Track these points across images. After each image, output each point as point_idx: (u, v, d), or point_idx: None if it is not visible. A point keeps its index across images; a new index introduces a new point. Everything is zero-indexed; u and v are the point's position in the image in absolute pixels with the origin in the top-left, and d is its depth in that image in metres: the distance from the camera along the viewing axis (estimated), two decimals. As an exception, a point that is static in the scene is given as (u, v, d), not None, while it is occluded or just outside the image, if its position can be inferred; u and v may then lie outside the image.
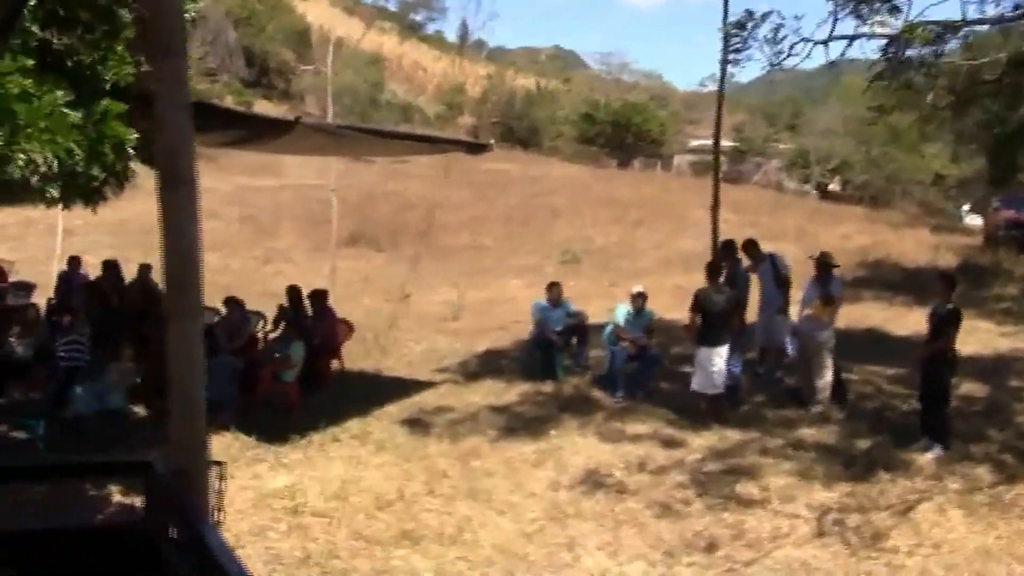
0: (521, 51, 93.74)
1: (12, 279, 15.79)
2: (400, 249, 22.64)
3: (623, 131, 51.50)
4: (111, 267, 14.75)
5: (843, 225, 27.46)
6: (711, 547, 8.47)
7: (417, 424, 11.58)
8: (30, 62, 6.40)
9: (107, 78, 6.95)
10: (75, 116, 6.35)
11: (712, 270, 11.86)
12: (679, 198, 30.96)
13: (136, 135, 6.93)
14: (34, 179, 6.34)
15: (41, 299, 15.48)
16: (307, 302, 13.59)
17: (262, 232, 24.49)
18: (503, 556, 8.28)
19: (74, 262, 15.30)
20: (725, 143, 53.35)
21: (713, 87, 15.03)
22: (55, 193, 6.75)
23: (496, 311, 18.14)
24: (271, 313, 14.08)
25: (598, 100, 55.23)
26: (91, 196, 7.02)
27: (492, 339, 15.95)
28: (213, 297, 17.25)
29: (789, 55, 13.24)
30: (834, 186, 48.04)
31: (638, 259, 23.00)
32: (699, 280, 20.08)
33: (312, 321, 12.52)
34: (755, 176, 49.10)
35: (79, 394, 10.37)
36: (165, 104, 2.92)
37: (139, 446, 10.06)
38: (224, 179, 27.91)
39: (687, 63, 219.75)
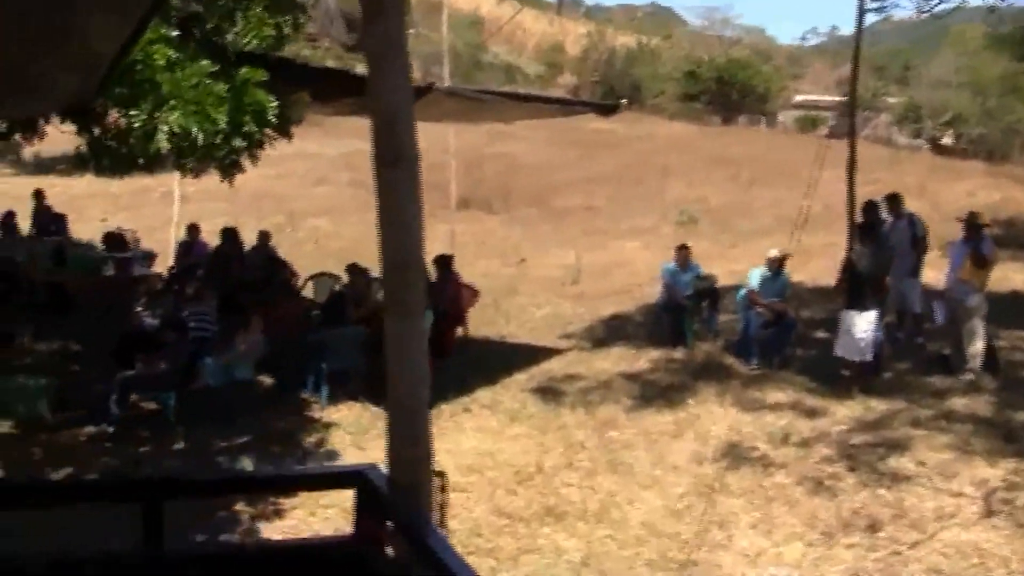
0: (619, 9, 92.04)
1: (133, 248, 15.72)
2: (513, 211, 22.24)
3: (728, 88, 50.12)
4: (231, 235, 14.57)
5: (965, 181, 26.24)
6: (872, 527, 7.97)
7: (548, 393, 11.22)
8: (173, 32, 6.10)
9: (245, 44, 6.62)
10: (220, 88, 6.04)
11: (864, 230, 11.17)
12: (789, 155, 29.81)
13: (276, 103, 6.61)
14: (175, 151, 6.06)
15: (161, 268, 15.58)
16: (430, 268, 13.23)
17: (374, 197, 24.23)
18: (653, 535, 7.95)
19: (193, 230, 15.23)
20: (832, 98, 51.91)
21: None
22: (194, 164, 6.47)
23: (615, 274, 17.66)
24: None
25: (701, 57, 53.90)
26: (230, 168, 6.71)
27: (615, 303, 15.47)
28: (327, 262, 17.23)
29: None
30: (947, 140, 46.21)
31: (756, 218, 22.23)
32: (822, 240, 19.56)
33: (436, 287, 12.22)
34: (864, 131, 47.47)
35: (208, 366, 10.24)
36: (381, 70, 2.53)
37: (268, 418, 10.14)
38: (332, 143, 27.77)
39: (789, 16, 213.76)
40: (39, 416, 9.74)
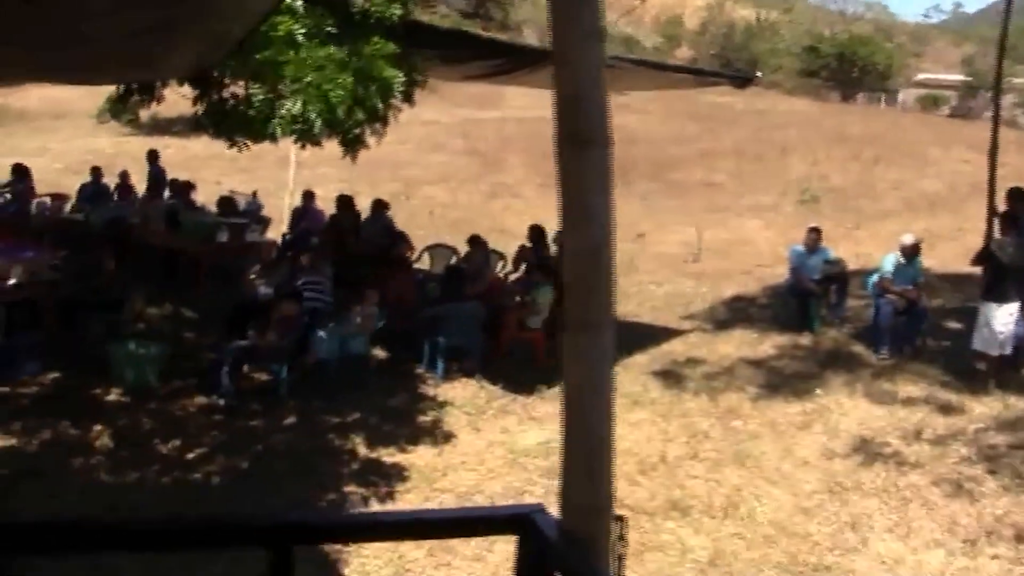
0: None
1: (250, 204, 15.55)
2: (631, 185, 21.58)
3: (849, 64, 48.57)
4: (347, 203, 14.27)
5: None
6: (1019, 537, 7.36)
7: (670, 377, 10.71)
8: (299, 2, 5.67)
9: (374, 15, 6.16)
10: (345, 80, 5.58)
11: (1008, 219, 10.37)
12: (912, 135, 28.82)
13: (403, 77, 6.15)
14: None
15: (274, 235, 15.36)
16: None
17: (488, 165, 23.85)
18: (783, 534, 7.45)
19: (308, 197, 14.96)
20: (954, 77, 49.96)
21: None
22: (315, 140, 6.06)
23: (736, 253, 16.97)
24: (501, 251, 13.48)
25: (822, 32, 52.34)
26: (353, 143, 6.28)
27: (737, 284, 14.82)
28: (442, 232, 16.91)
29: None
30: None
31: (879, 200, 21.28)
32: (949, 225, 18.64)
33: (558, 262, 11.72)
34: (986, 112, 45.43)
35: (322, 339, 9.91)
36: (567, 40, 2.03)
37: (380, 395, 9.80)
38: (447, 111, 27.42)
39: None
40: (148, 384, 9.55)
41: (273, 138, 6.00)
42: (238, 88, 6.61)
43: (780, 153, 25.35)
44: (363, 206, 14.79)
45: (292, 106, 5.50)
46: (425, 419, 9.39)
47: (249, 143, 6.68)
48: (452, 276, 11.34)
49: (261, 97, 5.51)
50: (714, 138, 26.81)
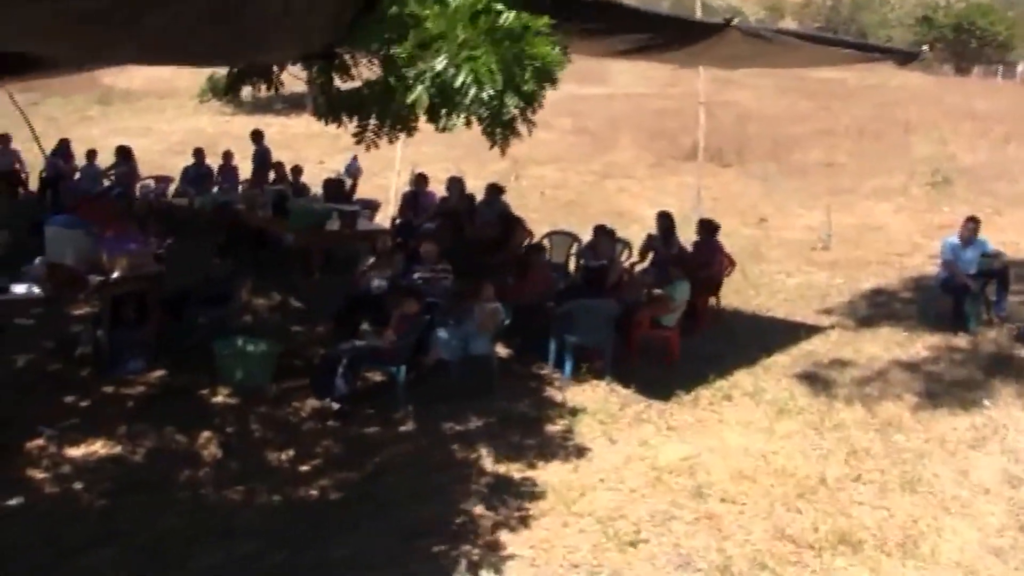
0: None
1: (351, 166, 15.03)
2: (748, 165, 20.54)
3: (966, 35, 46.32)
4: (459, 186, 13.61)
5: None
6: None
7: (817, 381, 9.76)
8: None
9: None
10: (501, 49, 4.75)
11: None
12: (1042, 110, 27.05)
13: (561, 56, 5.28)
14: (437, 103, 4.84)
15: (381, 219, 14.86)
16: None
17: (598, 144, 22.94)
18: (972, 578, 6.41)
19: (421, 180, 14.27)
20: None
21: None
22: (458, 122, 5.22)
23: (868, 240, 15.81)
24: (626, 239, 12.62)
25: (937, 1, 50.08)
26: (505, 130, 5.43)
27: (875, 275, 13.72)
28: (555, 216, 16.14)
29: None
30: None
31: (1017, 181, 19.83)
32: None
33: (699, 254, 10.96)
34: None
35: (442, 338, 9.25)
36: None
37: (505, 399, 9.13)
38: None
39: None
40: (258, 385, 9.03)
41: (411, 112, 5.18)
42: (368, 69, 5.86)
43: (902, 131, 23.97)
44: (472, 187, 14.22)
45: (438, 66, 4.66)
46: (555, 428, 8.61)
47: (379, 127, 5.86)
48: (592, 272, 10.76)
49: (404, 57, 4.67)
50: (830, 115, 25.51)
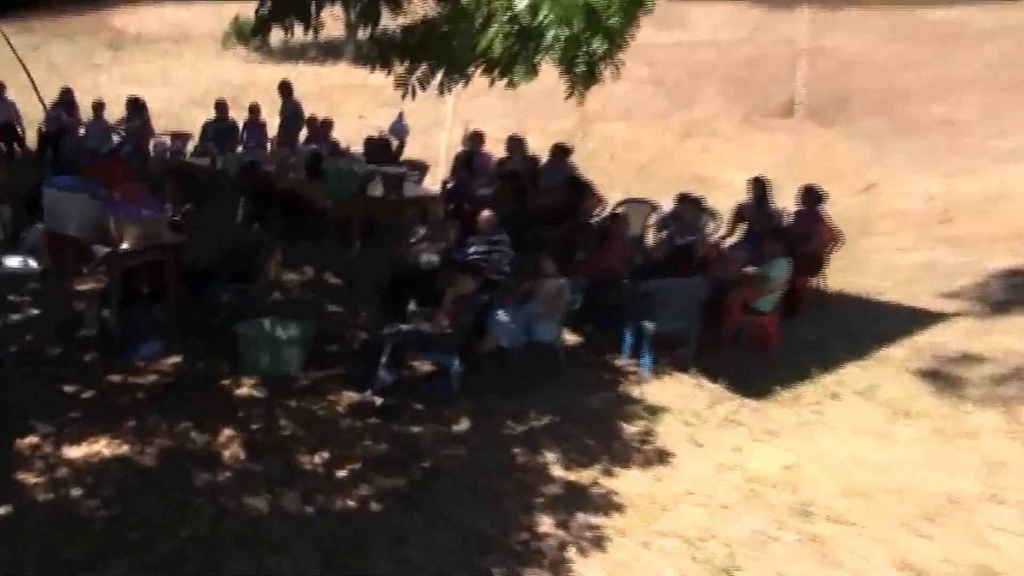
0: None
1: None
2: (853, 123, 20.03)
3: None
4: (520, 146, 13.41)
5: None
6: None
7: (941, 379, 9.45)
8: None
9: None
10: None
11: None
12: None
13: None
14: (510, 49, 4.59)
15: (430, 183, 14.78)
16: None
17: (677, 99, 22.49)
18: None
19: (476, 139, 14.13)
20: None
21: None
22: (535, 65, 4.98)
23: (998, 211, 15.29)
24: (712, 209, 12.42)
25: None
26: (586, 76, 5.17)
27: (1009, 253, 13.23)
28: (629, 181, 15.91)
29: None
30: None
31: None
32: None
33: (800, 226, 10.68)
34: None
35: (502, 322, 9.05)
36: None
37: (575, 393, 9.00)
38: (622, 32, 26.24)
39: None
40: (288, 374, 8.92)
41: (479, 59, 4.94)
42: (424, 4, 5.63)
43: (1037, 83, 23.27)
44: (533, 148, 14.05)
45: (515, 8, 4.41)
46: (633, 429, 8.41)
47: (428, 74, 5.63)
48: (676, 248, 10.61)
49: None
50: (952, 63, 24.73)
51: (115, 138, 15.67)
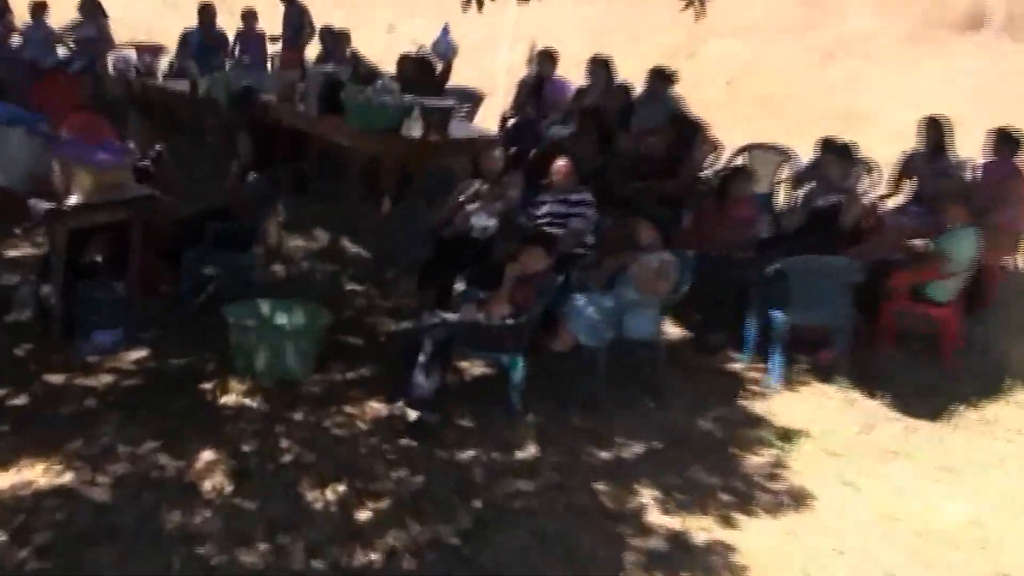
0: None
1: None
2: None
3: None
4: (606, 69, 13.33)
5: None
6: None
7: None
8: None
9: None
10: None
11: None
12: None
13: None
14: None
15: (485, 120, 14.68)
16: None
17: (818, 5, 22.33)
18: None
19: (547, 60, 14.07)
20: None
21: None
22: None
23: None
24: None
25: None
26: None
27: None
28: (751, 117, 15.85)
29: None
30: None
31: None
32: None
33: (985, 185, 10.53)
34: None
35: (582, 310, 8.95)
36: None
37: (678, 410, 8.99)
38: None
39: None
40: (293, 378, 8.86)
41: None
42: None
43: None
44: (624, 74, 13.94)
45: None
46: (759, 461, 8.32)
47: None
48: (818, 212, 10.52)
49: None
50: None
51: (61, 50, 15.68)
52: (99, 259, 9.56)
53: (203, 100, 13.76)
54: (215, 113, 13.37)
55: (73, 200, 9.14)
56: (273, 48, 16.54)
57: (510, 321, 8.65)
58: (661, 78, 13.24)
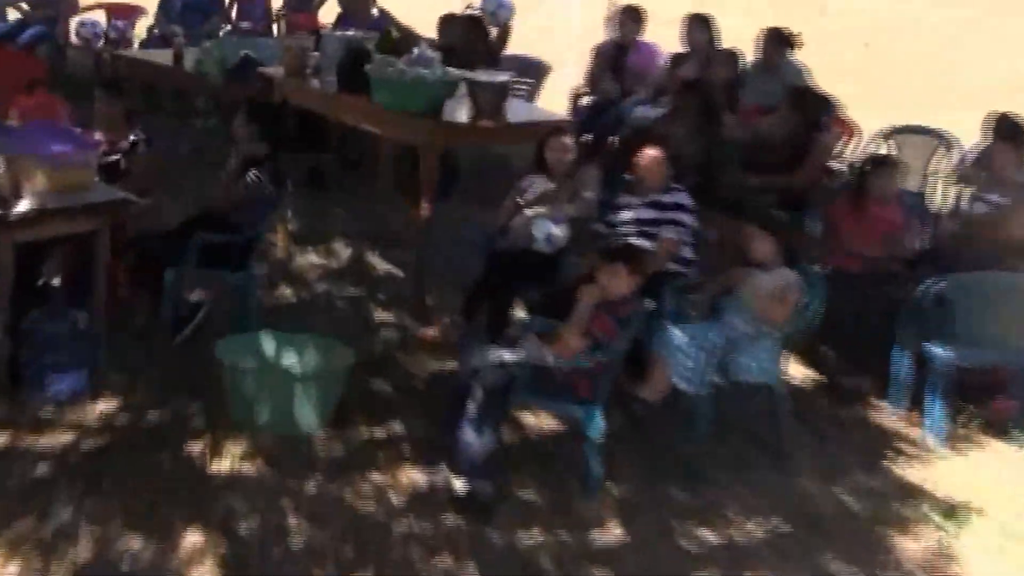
0: None
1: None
2: None
3: None
4: (707, 31, 13.26)
5: None
6: None
7: None
8: None
9: None
10: None
11: None
12: None
13: None
14: None
15: (553, 100, 14.61)
16: None
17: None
18: None
19: (631, 19, 13.98)
20: None
21: None
22: None
23: None
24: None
25: None
26: None
27: None
28: (891, 90, 15.58)
29: None
30: None
31: None
32: None
33: None
34: None
35: (680, 346, 8.82)
36: None
37: (812, 474, 8.82)
38: None
39: None
40: (304, 432, 8.78)
41: None
42: None
43: None
44: (729, 38, 13.94)
45: None
46: (914, 545, 8.09)
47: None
48: (990, 222, 10.32)
49: None
50: None
51: (12, 13, 15.72)
52: (55, 282, 9.53)
53: (190, 75, 13.67)
54: (206, 92, 13.27)
55: (22, 207, 9.05)
56: (279, 8, 16.49)
57: (585, 362, 8.47)
58: (779, 42, 13.23)
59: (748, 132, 12.21)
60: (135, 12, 16.10)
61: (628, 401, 8.96)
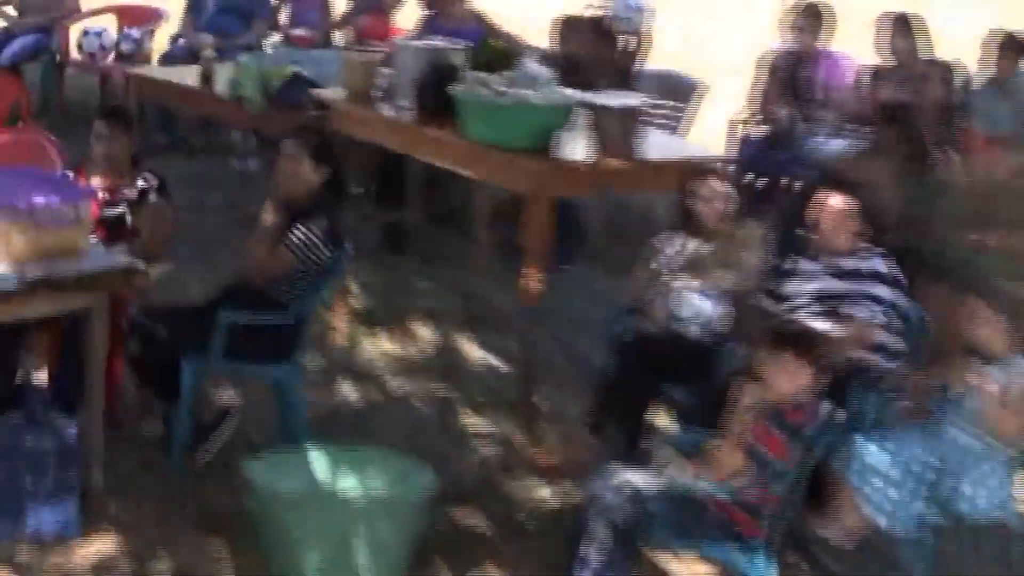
0: None
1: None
2: None
3: None
4: (908, 38, 13.13)
5: None
6: None
7: None
8: None
9: None
10: None
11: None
12: None
13: None
14: None
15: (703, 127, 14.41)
16: None
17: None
18: None
19: (813, 23, 13.89)
20: None
21: None
22: None
23: None
24: None
25: None
26: None
27: None
28: None
29: None
30: None
31: None
32: None
33: None
34: None
35: (881, 470, 8.55)
36: None
37: None
38: None
39: None
40: None
41: None
42: None
43: None
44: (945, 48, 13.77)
45: None
46: None
47: None
48: None
49: None
50: None
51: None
52: (37, 379, 9.34)
53: (223, 100, 13.50)
54: (242, 122, 13.08)
55: (-1, 274, 8.87)
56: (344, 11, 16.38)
57: (749, 496, 8.17)
58: (1012, 49, 12.70)
59: (973, 173, 11.78)
60: (153, 17, 16.05)
61: (808, 544, 8.72)
